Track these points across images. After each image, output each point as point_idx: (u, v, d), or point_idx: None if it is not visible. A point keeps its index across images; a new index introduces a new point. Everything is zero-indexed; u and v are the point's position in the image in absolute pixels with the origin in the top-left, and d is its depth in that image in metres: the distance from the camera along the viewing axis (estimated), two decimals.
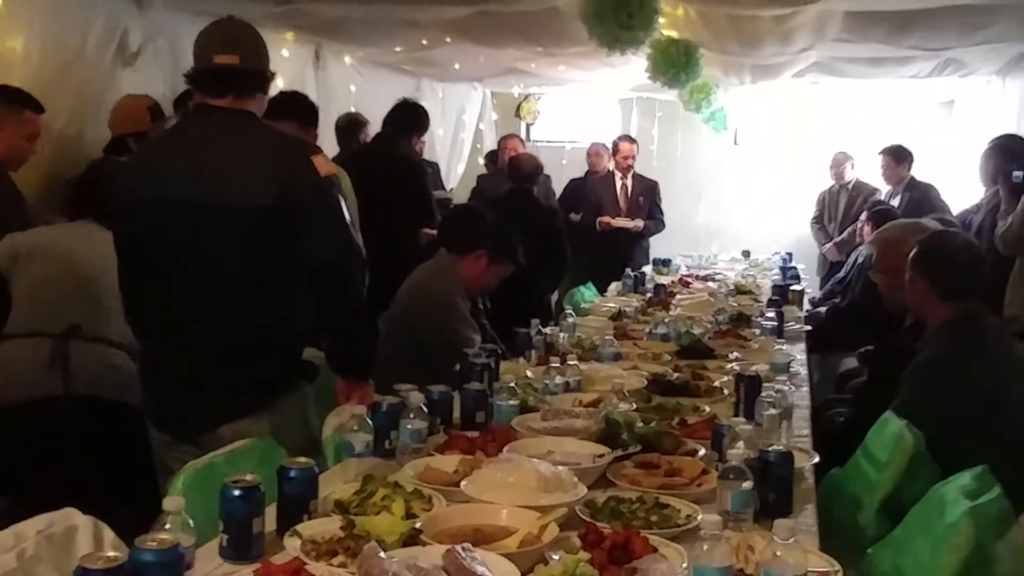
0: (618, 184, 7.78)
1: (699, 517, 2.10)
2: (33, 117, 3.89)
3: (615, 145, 7.86)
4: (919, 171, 7.52)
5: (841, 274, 7.15)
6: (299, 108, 4.13)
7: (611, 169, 7.91)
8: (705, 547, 1.72)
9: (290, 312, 2.74)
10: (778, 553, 1.69)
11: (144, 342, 2.91)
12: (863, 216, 6.85)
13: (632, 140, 8.03)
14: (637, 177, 7.84)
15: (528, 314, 4.23)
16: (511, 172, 6.24)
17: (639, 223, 7.62)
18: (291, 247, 2.64)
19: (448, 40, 6.40)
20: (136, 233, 2.77)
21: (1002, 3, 4.96)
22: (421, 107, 5.85)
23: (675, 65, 5.89)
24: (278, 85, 3.87)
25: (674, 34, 5.88)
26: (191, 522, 1.80)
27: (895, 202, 7.15)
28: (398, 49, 6.98)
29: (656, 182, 8.00)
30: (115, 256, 2.83)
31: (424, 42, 6.56)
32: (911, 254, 3.34)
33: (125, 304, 2.86)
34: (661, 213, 7.85)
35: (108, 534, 1.90)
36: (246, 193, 2.60)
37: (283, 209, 2.60)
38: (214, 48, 2.72)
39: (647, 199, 7.78)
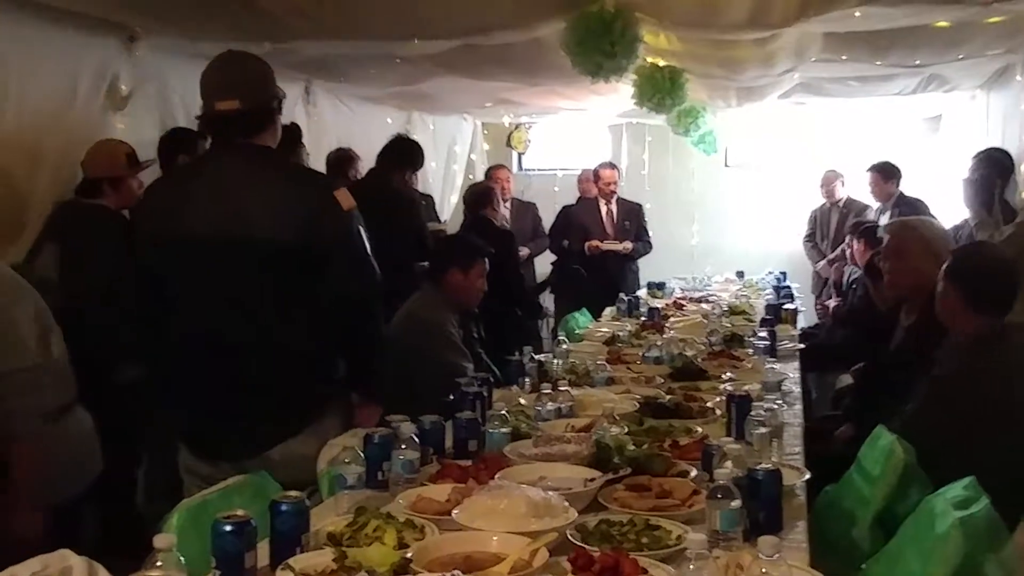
0: (603, 210, 7.84)
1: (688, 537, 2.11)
2: None
3: (596, 173, 7.91)
4: (908, 187, 7.56)
5: (836, 295, 7.18)
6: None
7: (596, 196, 7.96)
8: (692, 567, 1.73)
9: (321, 338, 2.81)
10: (764, 570, 1.71)
11: (171, 375, 2.90)
12: (848, 237, 6.91)
13: (613, 166, 8.09)
14: (621, 201, 7.90)
15: (520, 341, 4.26)
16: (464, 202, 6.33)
17: (628, 244, 7.67)
18: (316, 278, 2.72)
19: (436, 74, 6.45)
20: (160, 269, 2.84)
21: (976, 22, 5.00)
22: (415, 143, 5.91)
23: (660, 90, 5.94)
24: None
25: (658, 61, 5.93)
26: (182, 559, 1.81)
27: (884, 218, 7.18)
28: (389, 86, 7.05)
29: (640, 204, 8.07)
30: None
31: (412, 76, 6.62)
32: (945, 265, 3.33)
33: (145, 336, 2.91)
34: (648, 235, 7.91)
35: (103, 574, 1.91)
36: (271, 228, 2.69)
37: (308, 243, 2.69)
38: (215, 95, 2.79)
39: (633, 222, 7.85)
